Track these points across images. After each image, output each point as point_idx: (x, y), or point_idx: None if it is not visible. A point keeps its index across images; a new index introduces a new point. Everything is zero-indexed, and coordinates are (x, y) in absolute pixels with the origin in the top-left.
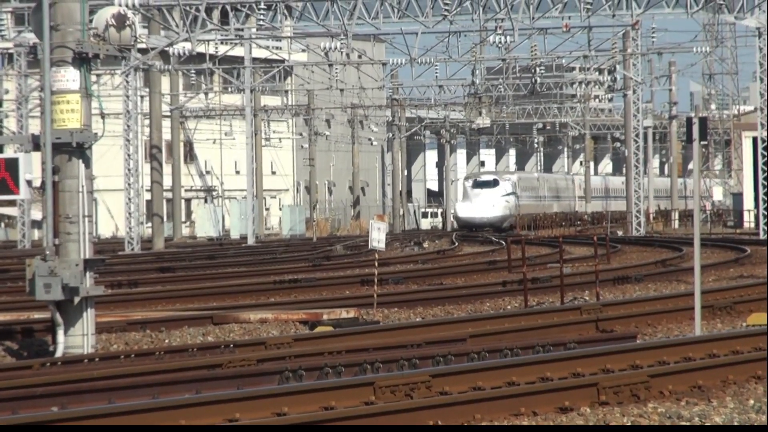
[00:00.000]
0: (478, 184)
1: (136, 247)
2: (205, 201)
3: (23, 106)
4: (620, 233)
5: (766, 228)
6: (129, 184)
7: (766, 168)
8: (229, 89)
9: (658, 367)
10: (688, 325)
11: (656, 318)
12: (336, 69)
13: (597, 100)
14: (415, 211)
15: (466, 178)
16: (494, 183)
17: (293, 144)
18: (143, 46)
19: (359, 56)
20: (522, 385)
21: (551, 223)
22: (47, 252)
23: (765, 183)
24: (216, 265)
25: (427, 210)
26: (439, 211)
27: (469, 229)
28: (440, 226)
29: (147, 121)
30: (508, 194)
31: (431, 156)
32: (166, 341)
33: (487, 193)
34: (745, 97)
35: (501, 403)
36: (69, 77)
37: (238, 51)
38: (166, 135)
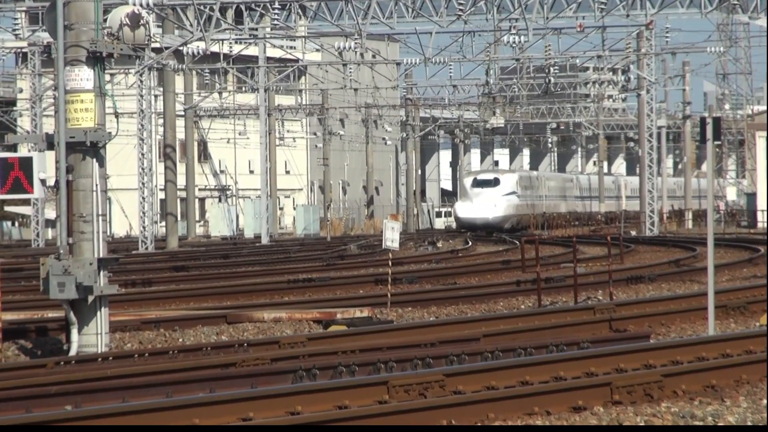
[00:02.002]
0: (479, 183)
1: (150, 246)
2: (219, 200)
3: (37, 105)
4: (633, 233)
5: None
6: (143, 183)
7: None
8: (243, 89)
9: (671, 367)
10: (701, 325)
11: (670, 318)
12: (350, 69)
13: (611, 100)
14: (429, 211)
15: (466, 177)
16: (495, 182)
17: (307, 143)
18: (157, 45)
19: (373, 56)
20: (535, 384)
21: (547, 224)
22: (61, 251)
23: None
24: (230, 265)
25: (441, 210)
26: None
27: (470, 230)
28: (454, 225)
29: (161, 121)
30: (510, 193)
31: (445, 156)
32: (180, 340)
33: (488, 193)
34: (759, 97)
35: (514, 403)
36: (83, 76)
37: (252, 50)
38: (180, 134)
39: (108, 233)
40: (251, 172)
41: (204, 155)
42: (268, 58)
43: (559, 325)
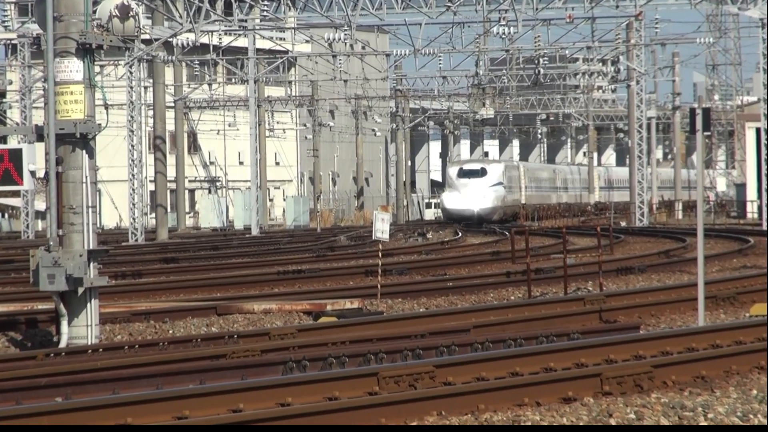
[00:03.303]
0: (465, 173)
1: (140, 238)
2: (209, 192)
3: (27, 96)
4: (623, 224)
5: None
6: (133, 175)
7: None
8: (233, 80)
9: (661, 358)
10: (691, 316)
11: (659, 308)
12: (340, 60)
13: (600, 90)
14: (418, 202)
15: (450, 166)
16: (482, 172)
17: (297, 135)
18: (147, 36)
19: (363, 47)
20: (526, 375)
21: (536, 215)
22: (51, 243)
23: None
24: (220, 256)
25: (431, 201)
26: None
27: (458, 222)
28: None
29: (151, 112)
30: (497, 184)
31: (435, 147)
32: (170, 332)
33: (475, 183)
34: (749, 87)
35: (505, 394)
36: (72, 68)
37: (242, 42)
38: (170, 126)
39: (98, 225)
40: (241, 163)
41: (194, 147)
42: (258, 50)
43: (549, 316)
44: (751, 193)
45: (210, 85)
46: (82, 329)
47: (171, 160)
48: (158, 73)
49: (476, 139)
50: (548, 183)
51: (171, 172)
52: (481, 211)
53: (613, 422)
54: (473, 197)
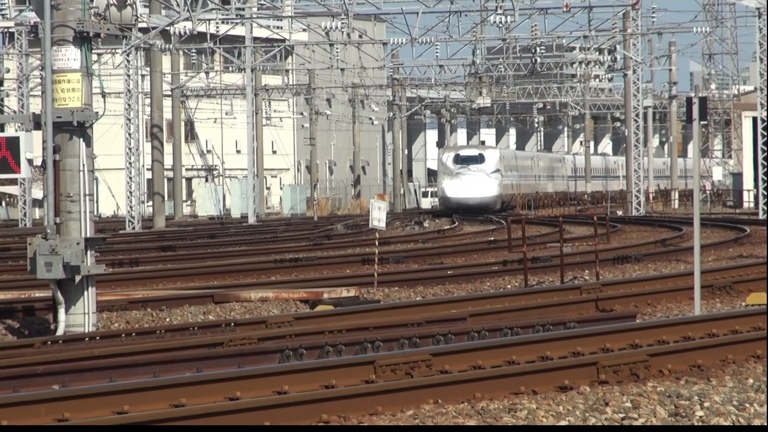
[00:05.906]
0: (463, 160)
1: (137, 226)
2: (206, 180)
3: (24, 85)
4: (620, 213)
5: (765, 208)
6: (130, 163)
7: (765, 148)
8: (230, 68)
9: (657, 347)
10: (687, 305)
11: (656, 297)
12: (337, 48)
13: (597, 80)
14: (415, 191)
15: (444, 152)
16: (480, 158)
17: (294, 123)
18: (144, 25)
19: (360, 36)
20: (522, 363)
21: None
22: (48, 231)
23: (765, 163)
24: (217, 244)
25: (428, 189)
26: None
27: (461, 212)
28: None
29: (148, 100)
30: (496, 171)
31: (432, 135)
32: (167, 320)
33: (476, 170)
34: (745, 77)
35: (501, 382)
36: (70, 56)
37: (239, 30)
38: (167, 114)
39: (95, 213)
40: (238, 151)
41: (191, 135)
42: (255, 38)
43: (545, 305)
44: (748, 182)
45: (207, 73)
46: (79, 317)
47: (168, 148)
48: (155, 62)
49: (473, 128)
50: (528, 171)
51: (168, 161)
52: (486, 200)
53: (609, 411)
54: (476, 185)
